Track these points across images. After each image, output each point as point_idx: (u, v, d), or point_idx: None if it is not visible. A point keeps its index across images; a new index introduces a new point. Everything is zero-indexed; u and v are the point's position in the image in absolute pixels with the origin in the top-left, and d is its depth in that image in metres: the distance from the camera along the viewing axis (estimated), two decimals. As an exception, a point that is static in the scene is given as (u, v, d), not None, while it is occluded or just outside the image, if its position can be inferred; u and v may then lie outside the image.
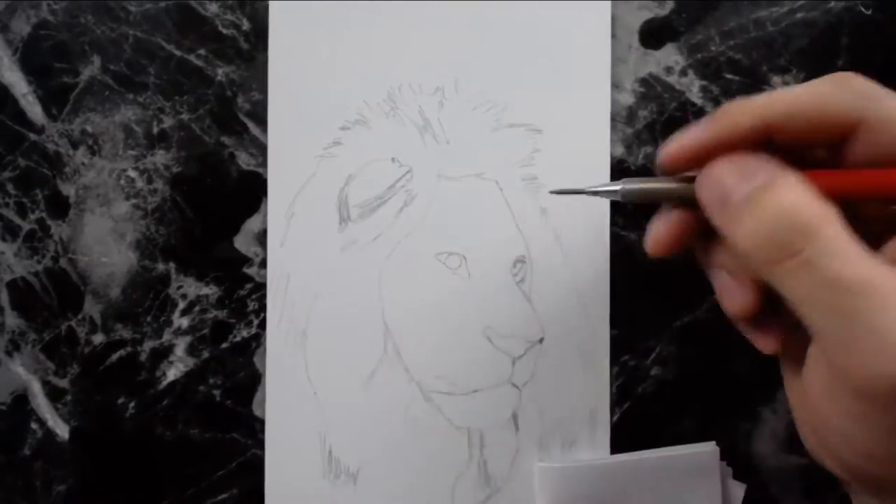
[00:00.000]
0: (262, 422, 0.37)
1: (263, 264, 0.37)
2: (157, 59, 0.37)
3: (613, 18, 0.36)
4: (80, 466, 0.37)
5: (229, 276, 0.37)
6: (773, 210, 0.22)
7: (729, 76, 0.36)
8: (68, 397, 0.37)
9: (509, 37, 0.36)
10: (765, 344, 0.27)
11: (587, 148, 0.36)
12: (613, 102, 0.37)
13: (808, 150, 0.26)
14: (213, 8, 0.37)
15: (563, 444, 0.36)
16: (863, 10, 0.36)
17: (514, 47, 0.36)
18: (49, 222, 0.37)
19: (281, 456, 0.36)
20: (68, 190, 0.37)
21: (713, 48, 0.37)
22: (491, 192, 0.36)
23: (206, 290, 0.37)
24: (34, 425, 0.37)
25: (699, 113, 0.37)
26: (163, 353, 0.37)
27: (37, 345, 0.37)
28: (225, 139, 0.37)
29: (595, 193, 0.28)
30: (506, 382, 0.36)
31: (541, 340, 0.36)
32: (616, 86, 0.37)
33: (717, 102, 0.36)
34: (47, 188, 0.37)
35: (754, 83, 0.36)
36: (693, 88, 0.37)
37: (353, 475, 0.36)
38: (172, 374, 0.37)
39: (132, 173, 0.37)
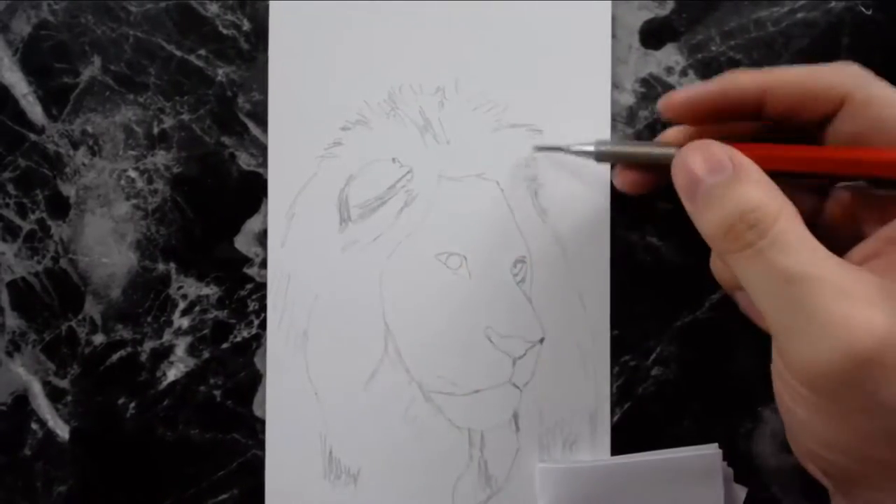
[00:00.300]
0: (262, 422, 0.37)
1: (264, 264, 0.37)
2: (158, 59, 0.37)
3: (614, 18, 0.36)
4: (80, 467, 0.37)
5: (230, 276, 0.37)
6: (732, 204, 0.24)
7: (729, 76, 0.36)
8: (69, 398, 0.37)
9: (510, 37, 0.36)
10: None
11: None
12: (614, 103, 0.37)
13: (794, 124, 0.28)
14: (214, 8, 0.37)
15: (564, 444, 0.36)
16: (863, 10, 0.36)
17: (515, 47, 0.36)
18: (49, 223, 0.37)
19: (281, 456, 0.36)
20: (69, 190, 0.37)
21: (714, 48, 0.37)
22: (491, 193, 0.36)
23: (206, 291, 0.37)
24: (34, 426, 0.37)
25: (700, 113, 0.37)
26: (163, 354, 0.37)
27: (37, 345, 0.37)
28: (225, 139, 0.37)
29: (572, 152, 0.34)
30: (506, 383, 0.36)
31: (541, 341, 0.36)
32: (616, 86, 0.37)
33: (717, 102, 0.37)
34: (47, 188, 0.37)
35: (755, 83, 0.36)
36: (693, 88, 0.37)
37: (354, 476, 0.36)
38: (173, 374, 0.37)
39: (132, 174, 0.37)
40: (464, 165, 0.36)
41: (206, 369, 0.37)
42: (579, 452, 0.36)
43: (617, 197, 0.36)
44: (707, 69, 0.37)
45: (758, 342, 0.37)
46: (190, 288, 0.37)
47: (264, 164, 0.37)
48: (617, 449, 0.36)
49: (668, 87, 0.37)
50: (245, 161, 0.37)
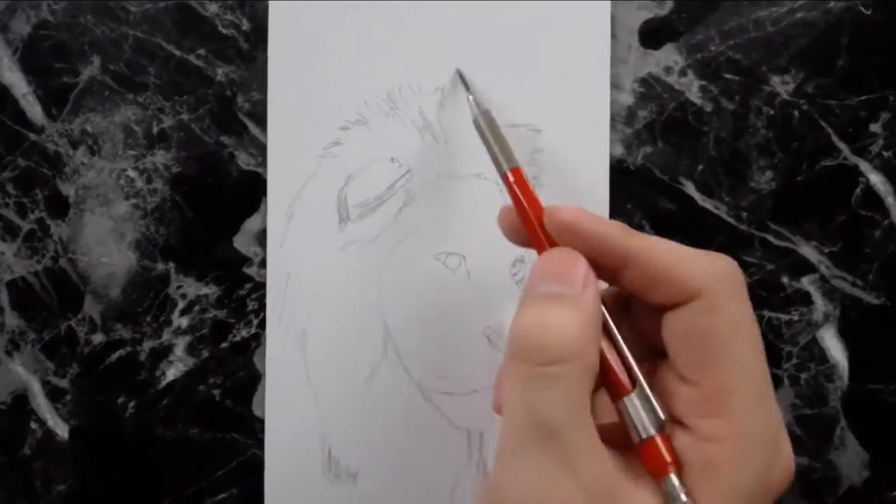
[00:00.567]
0: (261, 422, 0.37)
1: (263, 264, 0.37)
2: (157, 59, 0.37)
3: (613, 18, 0.36)
4: (79, 466, 0.37)
5: (229, 275, 0.37)
6: (531, 327, 0.24)
7: (728, 76, 0.36)
8: (68, 397, 0.37)
9: (509, 37, 0.36)
10: None
11: (587, 147, 0.36)
12: (613, 102, 0.37)
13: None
14: (213, 8, 0.37)
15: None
16: (863, 10, 0.36)
17: (514, 47, 0.36)
18: (49, 222, 0.37)
19: (281, 456, 0.36)
20: (68, 190, 0.37)
21: (713, 48, 0.37)
22: (490, 193, 0.36)
23: (205, 290, 0.37)
24: (34, 425, 0.37)
25: (698, 113, 0.37)
26: (162, 353, 0.37)
27: (36, 344, 0.37)
28: (225, 139, 0.37)
29: (469, 102, 0.33)
30: (505, 382, 0.36)
31: (540, 340, 0.36)
32: (616, 86, 0.37)
33: (716, 102, 0.36)
34: (47, 188, 0.37)
35: (754, 83, 0.36)
36: (693, 88, 0.37)
37: (353, 475, 0.36)
38: (172, 373, 0.37)
39: (132, 173, 0.37)
40: (463, 165, 0.36)
41: (205, 369, 0.37)
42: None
43: (616, 197, 0.36)
44: (706, 69, 0.37)
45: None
46: (189, 287, 0.37)
47: (263, 163, 0.37)
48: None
49: (668, 87, 0.37)
50: (244, 161, 0.37)
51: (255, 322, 0.37)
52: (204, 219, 0.37)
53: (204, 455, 0.37)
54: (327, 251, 0.36)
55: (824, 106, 0.36)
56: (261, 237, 0.37)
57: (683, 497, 0.22)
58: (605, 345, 0.24)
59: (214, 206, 0.37)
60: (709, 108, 0.37)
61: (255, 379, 0.37)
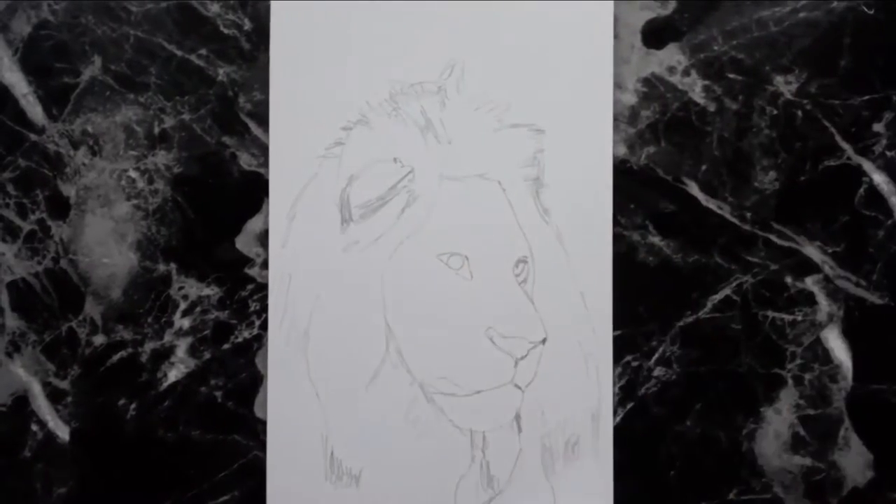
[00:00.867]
0: (263, 423, 0.37)
1: (265, 265, 0.37)
2: (158, 59, 0.37)
3: (616, 18, 0.36)
4: (80, 468, 0.37)
5: (231, 276, 0.37)
6: None
7: (732, 76, 0.36)
8: (69, 399, 0.37)
9: (512, 37, 0.36)
10: None
11: (590, 148, 0.36)
12: (616, 102, 0.36)
13: None
14: (215, 8, 0.37)
15: (566, 445, 0.36)
16: (865, 9, 0.36)
17: (517, 47, 0.36)
18: (49, 223, 0.37)
19: (283, 457, 0.36)
20: (69, 190, 0.37)
21: (716, 48, 0.37)
22: (493, 193, 0.36)
23: (207, 291, 0.37)
24: (35, 427, 0.37)
25: (702, 113, 0.36)
26: (164, 354, 0.37)
27: (37, 346, 0.37)
28: (226, 139, 0.37)
29: None
30: (508, 383, 0.36)
31: (543, 341, 0.36)
32: (619, 86, 0.37)
33: (719, 102, 0.36)
34: (48, 189, 0.37)
35: (757, 83, 0.36)
36: (696, 88, 0.37)
37: (356, 477, 0.36)
38: (173, 375, 0.37)
39: (133, 174, 0.37)
40: (465, 165, 0.36)
41: (206, 370, 0.37)
42: (581, 453, 0.36)
43: (619, 197, 0.36)
44: (709, 69, 0.37)
45: (760, 343, 0.37)
46: (191, 288, 0.37)
47: (265, 164, 0.37)
48: (619, 449, 0.36)
49: (671, 87, 0.37)
50: (246, 161, 0.37)
51: (257, 323, 0.37)
52: (205, 219, 0.37)
53: (205, 457, 0.37)
54: (329, 252, 0.36)
55: (827, 106, 0.36)
56: (263, 238, 0.37)
57: None
58: None
59: (216, 206, 0.37)
60: (712, 107, 0.37)
61: (256, 380, 0.37)
